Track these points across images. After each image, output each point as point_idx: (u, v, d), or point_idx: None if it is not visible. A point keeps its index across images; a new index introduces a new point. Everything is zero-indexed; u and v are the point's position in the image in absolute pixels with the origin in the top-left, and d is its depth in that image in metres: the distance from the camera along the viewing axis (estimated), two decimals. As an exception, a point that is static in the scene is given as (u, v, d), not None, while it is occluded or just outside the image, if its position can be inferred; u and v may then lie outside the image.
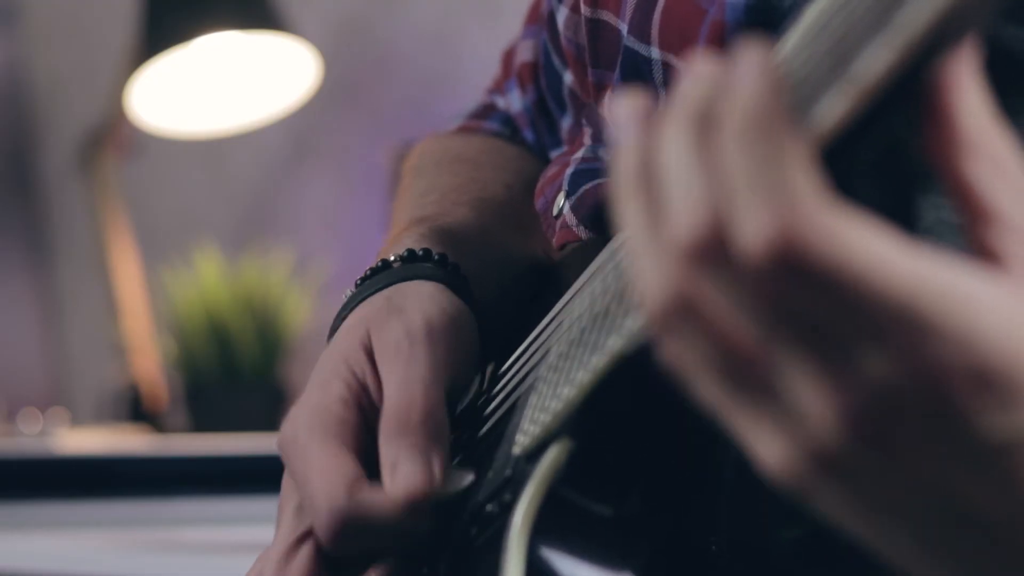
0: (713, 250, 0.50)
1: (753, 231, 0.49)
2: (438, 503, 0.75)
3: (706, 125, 0.51)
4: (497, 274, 0.90)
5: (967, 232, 0.53)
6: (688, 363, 0.52)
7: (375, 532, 0.75)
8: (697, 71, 0.53)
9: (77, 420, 2.55)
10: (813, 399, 0.50)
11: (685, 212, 0.50)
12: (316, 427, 0.78)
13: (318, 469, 0.76)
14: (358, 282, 0.86)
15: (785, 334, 0.50)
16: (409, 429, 0.76)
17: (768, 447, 0.52)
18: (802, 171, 0.49)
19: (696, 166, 0.51)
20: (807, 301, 0.49)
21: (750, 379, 0.51)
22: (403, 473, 0.75)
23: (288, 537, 0.78)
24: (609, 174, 0.54)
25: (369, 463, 0.77)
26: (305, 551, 0.78)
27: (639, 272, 0.52)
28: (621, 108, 0.54)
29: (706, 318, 0.51)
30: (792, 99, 0.52)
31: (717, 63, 0.53)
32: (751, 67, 0.50)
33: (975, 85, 0.52)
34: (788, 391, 0.50)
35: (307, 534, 0.78)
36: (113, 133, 2.60)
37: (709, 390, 0.52)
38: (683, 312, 0.51)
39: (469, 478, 0.76)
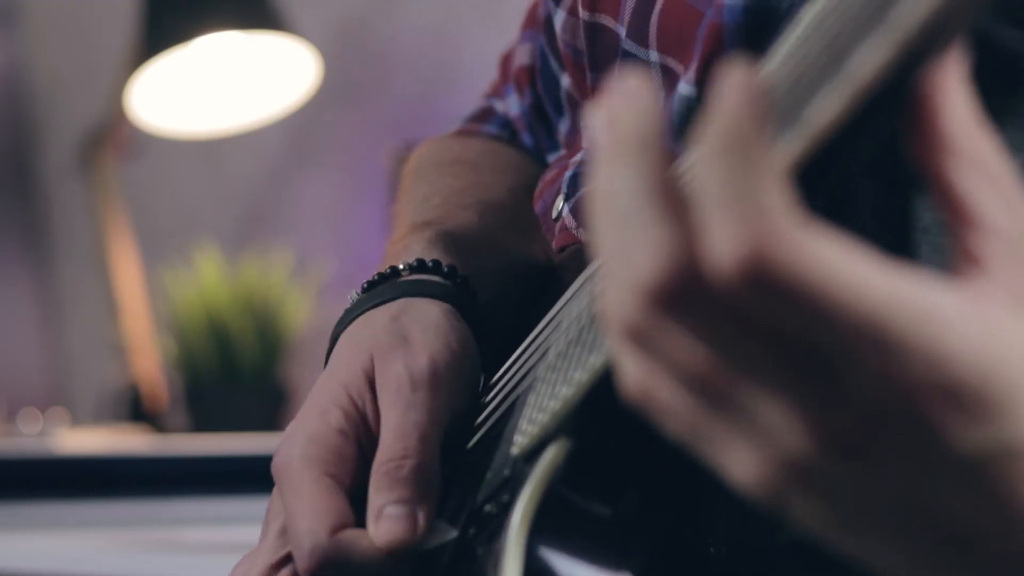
0: (674, 291, 0.49)
1: (723, 249, 0.48)
2: (418, 553, 0.76)
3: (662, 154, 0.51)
4: (499, 277, 0.90)
5: (951, 235, 0.53)
6: (649, 390, 0.52)
7: (352, 574, 0.76)
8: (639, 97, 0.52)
9: (77, 420, 2.55)
10: (785, 417, 0.50)
11: (643, 252, 0.50)
12: (311, 458, 0.78)
13: (306, 505, 0.76)
14: (365, 286, 0.86)
15: (755, 355, 0.50)
16: (399, 481, 0.76)
17: (739, 464, 0.52)
18: (774, 188, 0.48)
19: (657, 199, 0.50)
20: (777, 320, 0.49)
21: (717, 402, 0.51)
22: (387, 522, 0.76)
23: (269, 557, 0.79)
24: (586, 192, 0.54)
25: (360, 493, 0.77)
26: (284, 574, 0.78)
27: (603, 296, 0.52)
28: (594, 121, 0.53)
29: (666, 351, 0.51)
30: (770, 115, 0.51)
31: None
32: (731, 87, 0.49)
33: (962, 89, 0.53)
34: (758, 410, 0.50)
35: (288, 558, 0.79)
36: (113, 133, 2.61)
37: (672, 418, 0.52)
38: (642, 344, 0.51)
39: (453, 533, 0.76)
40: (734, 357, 0.50)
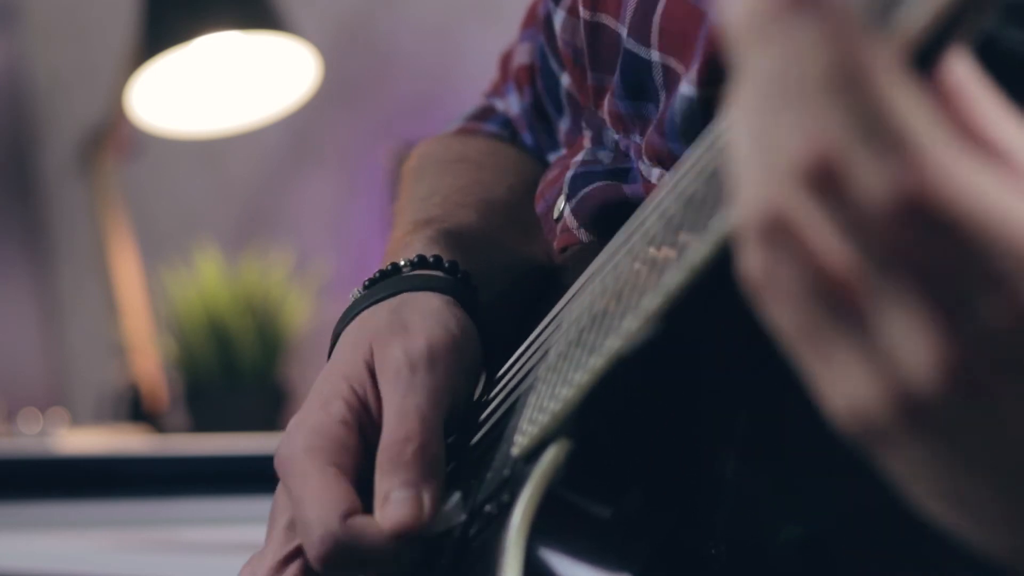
0: (825, 180, 0.47)
1: (879, 182, 0.46)
2: (426, 536, 0.76)
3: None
4: (500, 276, 0.90)
5: None
6: (772, 282, 0.49)
7: (363, 560, 0.76)
8: None
9: (77, 420, 2.55)
10: (915, 340, 0.47)
11: (802, 133, 0.48)
12: (315, 449, 0.78)
13: (314, 494, 0.76)
14: (366, 284, 0.86)
15: (895, 271, 0.47)
16: (403, 464, 0.76)
17: (846, 388, 0.49)
18: (924, 116, 0.47)
19: (827, 90, 0.47)
20: (928, 248, 0.47)
21: (842, 308, 0.48)
22: (393, 506, 0.76)
23: (278, 553, 0.79)
24: (736, 58, 0.51)
25: (366, 482, 0.78)
26: (293, 569, 0.79)
27: (739, 177, 0.49)
28: None
29: (806, 240, 0.48)
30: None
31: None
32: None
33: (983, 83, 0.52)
34: (885, 327, 0.48)
35: (297, 552, 0.79)
36: (113, 133, 2.61)
37: (789, 315, 0.49)
38: (781, 230, 0.48)
39: (461, 516, 0.76)
40: (877, 266, 0.48)
